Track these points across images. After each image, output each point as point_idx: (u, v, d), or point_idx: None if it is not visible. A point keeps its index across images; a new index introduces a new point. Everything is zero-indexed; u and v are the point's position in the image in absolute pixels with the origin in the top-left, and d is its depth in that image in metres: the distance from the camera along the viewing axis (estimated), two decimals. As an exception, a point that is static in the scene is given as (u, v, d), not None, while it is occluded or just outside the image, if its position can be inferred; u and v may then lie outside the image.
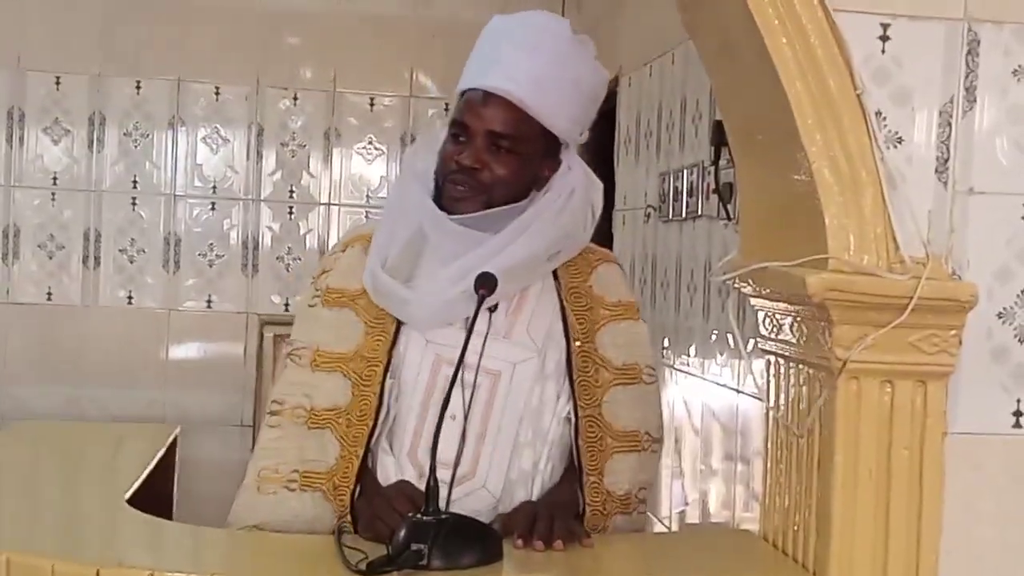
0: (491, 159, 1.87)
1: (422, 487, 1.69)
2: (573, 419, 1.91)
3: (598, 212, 2.01)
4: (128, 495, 2.38)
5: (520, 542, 1.71)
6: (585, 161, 2.05)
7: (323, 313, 1.97)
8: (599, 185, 2.02)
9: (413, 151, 2.02)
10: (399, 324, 1.92)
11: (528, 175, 1.92)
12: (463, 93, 1.92)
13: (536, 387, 1.91)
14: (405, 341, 1.92)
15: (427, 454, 1.83)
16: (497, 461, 1.88)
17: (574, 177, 1.96)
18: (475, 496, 1.85)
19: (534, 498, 1.90)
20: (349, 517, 1.83)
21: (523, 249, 1.89)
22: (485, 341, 1.81)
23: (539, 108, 1.89)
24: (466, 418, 1.78)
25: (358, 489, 1.85)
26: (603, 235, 4.55)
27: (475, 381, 1.83)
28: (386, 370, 1.89)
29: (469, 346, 1.76)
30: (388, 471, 1.89)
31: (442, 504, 1.66)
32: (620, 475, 1.92)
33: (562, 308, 1.95)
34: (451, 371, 1.82)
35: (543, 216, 1.91)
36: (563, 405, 1.92)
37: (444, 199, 1.90)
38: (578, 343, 1.93)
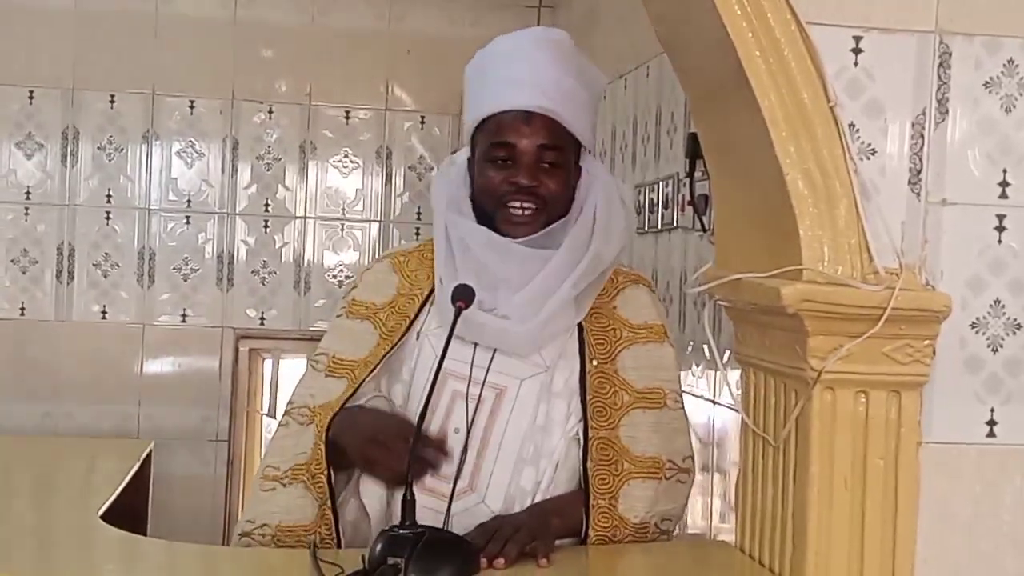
0: (541, 175, 1.89)
1: (420, 500, 1.68)
2: (582, 440, 1.88)
3: (630, 208, 2.02)
4: (102, 511, 2.37)
5: (485, 561, 1.70)
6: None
7: (346, 324, 2.01)
8: (621, 184, 2.05)
9: (438, 195, 2.00)
10: (407, 335, 1.94)
11: (571, 187, 1.95)
12: (487, 119, 1.92)
13: (542, 404, 1.89)
14: (417, 354, 1.93)
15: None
16: (498, 477, 1.87)
17: (604, 178, 2.00)
18: (475, 511, 1.84)
19: None
20: (330, 510, 1.84)
21: (593, 260, 1.91)
22: (493, 355, 1.82)
23: (571, 120, 1.92)
24: (468, 432, 1.76)
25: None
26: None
27: (480, 395, 1.82)
28: (370, 374, 1.91)
29: (476, 360, 1.80)
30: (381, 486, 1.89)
31: (441, 519, 1.66)
32: (636, 502, 1.88)
33: (579, 327, 1.94)
34: (457, 386, 1.84)
35: (597, 223, 1.93)
36: (573, 424, 1.90)
37: (502, 224, 1.90)
38: (595, 362, 1.92)
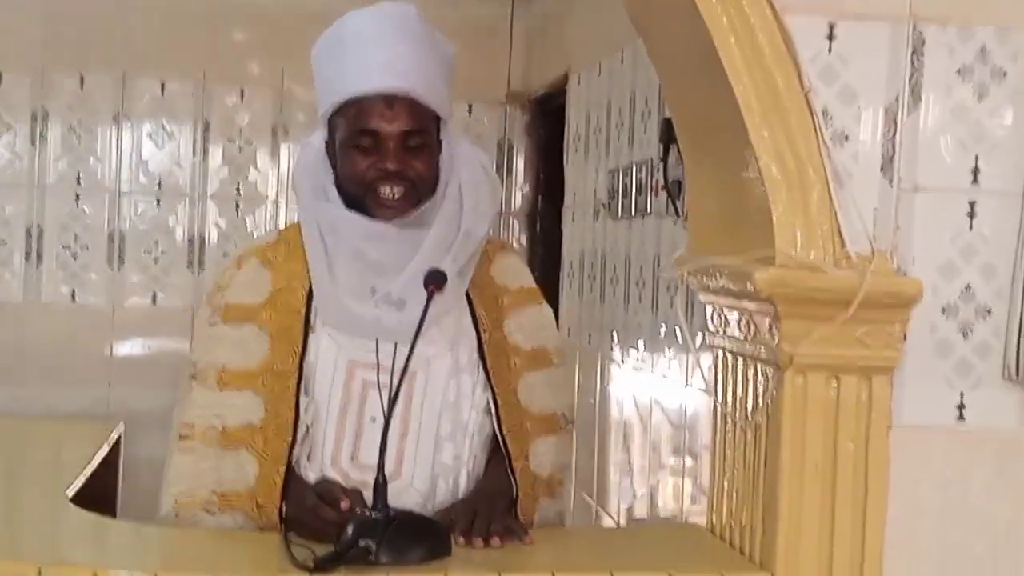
0: (408, 157, 1.87)
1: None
2: (493, 408, 1.92)
3: (492, 175, 2.03)
4: (71, 493, 2.36)
5: (461, 540, 1.71)
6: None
7: (225, 331, 1.93)
8: (481, 152, 2.05)
9: (300, 183, 1.98)
10: (307, 334, 1.90)
11: (437, 164, 1.92)
12: (347, 103, 1.87)
13: (452, 381, 1.92)
14: (315, 351, 1.90)
15: (350, 461, 1.87)
16: (422, 458, 1.89)
17: (465, 149, 1.98)
18: (404, 495, 1.84)
19: (460, 491, 1.90)
20: (281, 532, 1.80)
21: (466, 238, 1.90)
22: (397, 344, 1.80)
23: (431, 98, 1.89)
24: (388, 420, 1.72)
25: (285, 505, 1.82)
26: (553, 232, 4.57)
27: (393, 382, 1.81)
28: (299, 383, 1.87)
29: (382, 349, 1.81)
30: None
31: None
32: (544, 457, 1.95)
33: (469, 301, 1.96)
34: (367, 375, 1.85)
35: (464, 200, 1.92)
36: (480, 396, 1.94)
37: (373, 209, 1.88)
38: (487, 333, 1.95)
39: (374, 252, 1.88)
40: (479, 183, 1.96)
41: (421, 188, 1.88)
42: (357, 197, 1.89)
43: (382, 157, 1.86)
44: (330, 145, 1.93)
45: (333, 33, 1.96)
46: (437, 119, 1.92)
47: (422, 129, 1.88)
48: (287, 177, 4.73)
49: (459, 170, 1.94)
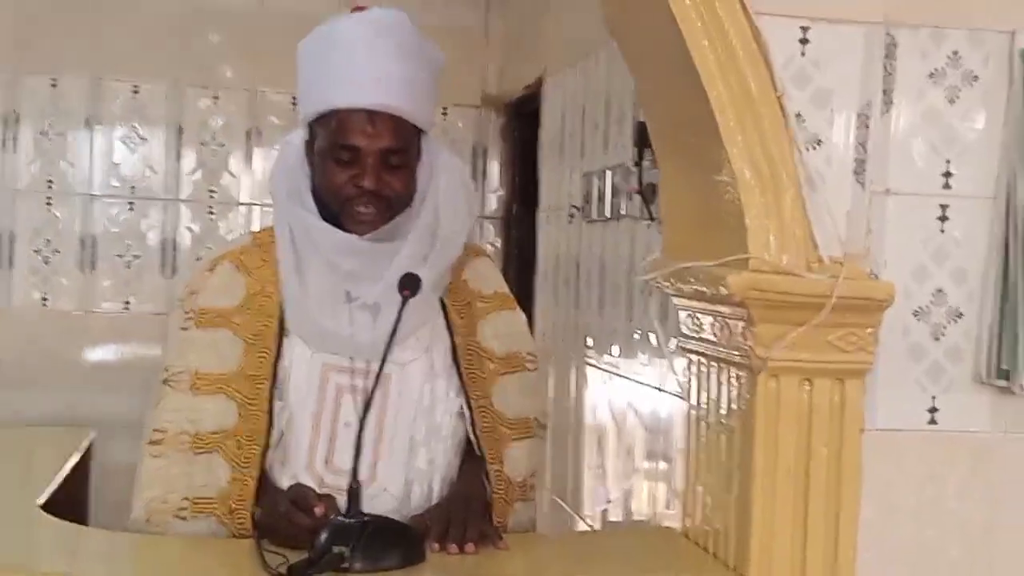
0: (386, 175, 1.85)
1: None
2: (467, 412, 1.92)
3: (470, 186, 2.03)
4: (42, 500, 2.34)
5: (436, 546, 1.71)
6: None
7: (197, 335, 1.92)
8: (460, 162, 2.04)
9: (278, 184, 1.96)
10: (281, 338, 1.89)
11: (415, 178, 1.90)
12: (329, 112, 1.84)
13: (426, 385, 1.92)
14: (290, 355, 1.89)
15: (324, 466, 1.86)
16: (396, 463, 1.88)
17: (445, 159, 1.96)
18: (378, 500, 1.83)
19: (434, 496, 1.90)
20: (254, 538, 1.79)
21: (444, 248, 1.90)
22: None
23: (416, 114, 1.87)
24: (362, 424, 1.71)
25: (258, 510, 1.81)
26: (528, 235, 4.57)
27: (365, 386, 1.80)
28: (272, 387, 1.86)
29: (357, 353, 1.82)
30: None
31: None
32: (518, 462, 1.95)
33: (443, 305, 1.95)
34: (341, 379, 1.85)
35: (442, 210, 1.91)
36: (454, 400, 1.93)
37: (347, 223, 1.86)
38: (461, 338, 1.95)
39: (347, 264, 1.87)
40: (457, 193, 1.95)
41: (396, 205, 1.87)
42: (332, 209, 1.87)
43: (360, 174, 1.84)
44: (310, 145, 1.92)
45: (323, 35, 1.93)
46: (419, 131, 1.90)
47: (403, 148, 1.86)
48: (261, 181, 4.71)
49: (438, 178, 1.93)
